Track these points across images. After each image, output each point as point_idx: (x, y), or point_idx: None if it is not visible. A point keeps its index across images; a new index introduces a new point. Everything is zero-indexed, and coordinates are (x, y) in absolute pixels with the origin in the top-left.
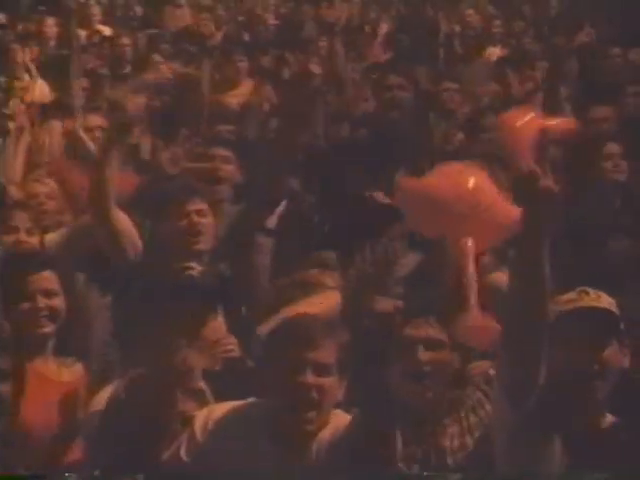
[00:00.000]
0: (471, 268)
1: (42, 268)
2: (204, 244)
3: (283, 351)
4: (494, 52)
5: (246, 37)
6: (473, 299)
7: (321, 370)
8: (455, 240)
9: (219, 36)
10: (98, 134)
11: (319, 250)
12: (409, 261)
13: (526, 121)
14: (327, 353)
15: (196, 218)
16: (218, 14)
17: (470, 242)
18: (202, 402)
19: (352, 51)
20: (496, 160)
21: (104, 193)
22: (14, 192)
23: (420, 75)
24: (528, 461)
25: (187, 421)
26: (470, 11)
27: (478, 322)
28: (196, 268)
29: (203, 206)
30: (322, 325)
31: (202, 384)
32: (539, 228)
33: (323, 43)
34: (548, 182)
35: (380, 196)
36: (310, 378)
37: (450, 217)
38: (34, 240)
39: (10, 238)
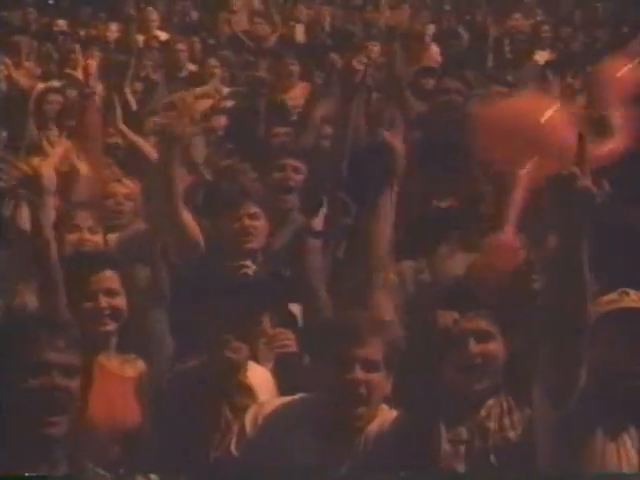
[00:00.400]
0: (520, 192)
1: (104, 268)
2: (256, 244)
3: (332, 348)
4: (543, 56)
5: (299, 41)
6: (512, 219)
7: (369, 366)
8: (515, 166)
9: (274, 38)
10: (158, 137)
11: None
12: (458, 262)
13: (624, 72)
14: (375, 349)
15: (248, 221)
16: (272, 19)
17: (525, 171)
18: (251, 396)
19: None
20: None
21: (172, 192)
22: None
23: (470, 79)
24: (570, 461)
25: (237, 413)
26: (517, 15)
27: (508, 243)
28: (251, 267)
29: (256, 210)
30: (369, 322)
31: (249, 380)
32: (578, 229)
33: (373, 47)
34: (586, 182)
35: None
36: (359, 374)
37: (517, 141)
38: (97, 238)
39: (74, 237)
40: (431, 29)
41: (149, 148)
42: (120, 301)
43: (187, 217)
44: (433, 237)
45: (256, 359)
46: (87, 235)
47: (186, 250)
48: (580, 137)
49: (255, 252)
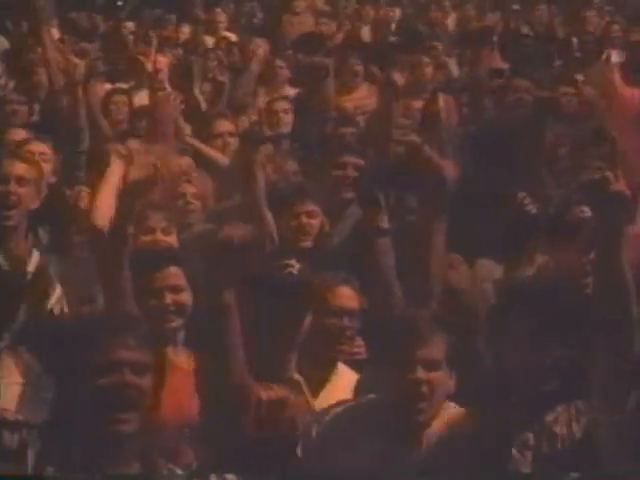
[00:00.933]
0: None
1: (168, 264)
2: (311, 242)
3: (393, 349)
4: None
5: (364, 42)
6: None
7: (431, 366)
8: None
9: (339, 37)
10: (228, 139)
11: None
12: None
13: None
14: (436, 349)
15: (305, 219)
16: (337, 19)
17: None
18: (298, 392)
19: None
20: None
21: (256, 189)
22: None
23: (538, 79)
24: (633, 459)
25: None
26: (591, 13)
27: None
28: (295, 266)
29: (314, 208)
30: (430, 321)
31: (297, 376)
32: (614, 231)
33: (439, 47)
34: (620, 186)
35: (531, 207)
36: (421, 374)
37: None
38: (170, 239)
39: (147, 238)
40: (498, 29)
41: (219, 155)
42: (185, 297)
43: (267, 213)
44: (514, 238)
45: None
46: (160, 236)
47: (261, 244)
48: (613, 140)
49: (309, 251)
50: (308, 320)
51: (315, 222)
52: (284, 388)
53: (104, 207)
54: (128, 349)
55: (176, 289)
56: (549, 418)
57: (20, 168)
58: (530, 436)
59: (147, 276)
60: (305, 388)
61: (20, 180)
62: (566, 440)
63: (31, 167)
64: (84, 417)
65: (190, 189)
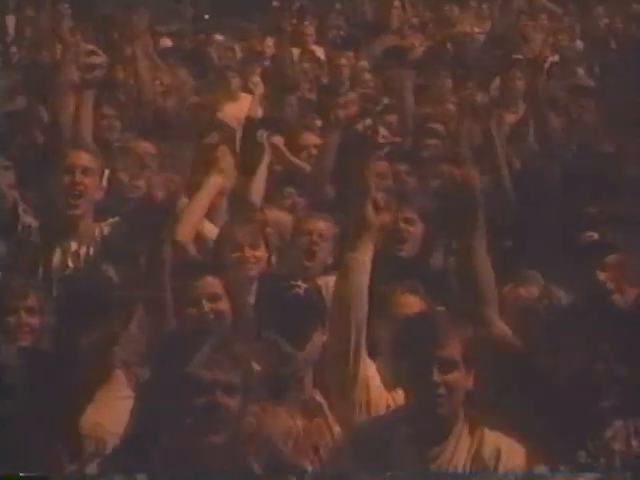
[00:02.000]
0: None
1: (204, 274)
2: (406, 252)
3: (409, 350)
4: None
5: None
6: None
7: (448, 366)
8: None
9: (420, 50)
10: (312, 152)
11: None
12: None
13: None
14: (452, 349)
15: (402, 225)
16: (425, 32)
17: None
18: (316, 415)
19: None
20: None
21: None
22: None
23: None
24: None
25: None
26: None
27: None
28: (302, 286)
29: (412, 215)
30: (445, 322)
31: (318, 397)
32: None
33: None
34: None
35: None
36: (436, 376)
37: None
38: (259, 253)
39: (236, 254)
40: (580, 44)
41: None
42: (223, 305)
43: None
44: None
45: None
46: (249, 252)
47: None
48: None
49: (405, 259)
50: (319, 339)
51: (413, 230)
52: (299, 413)
53: (191, 221)
54: (221, 370)
55: (214, 297)
56: (608, 434)
57: (84, 159)
58: (582, 454)
59: (185, 285)
60: (327, 409)
61: (85, 170)
62: (625, 455)
63: (93, 157)
64: (173, 430)
65: (318, 226)
